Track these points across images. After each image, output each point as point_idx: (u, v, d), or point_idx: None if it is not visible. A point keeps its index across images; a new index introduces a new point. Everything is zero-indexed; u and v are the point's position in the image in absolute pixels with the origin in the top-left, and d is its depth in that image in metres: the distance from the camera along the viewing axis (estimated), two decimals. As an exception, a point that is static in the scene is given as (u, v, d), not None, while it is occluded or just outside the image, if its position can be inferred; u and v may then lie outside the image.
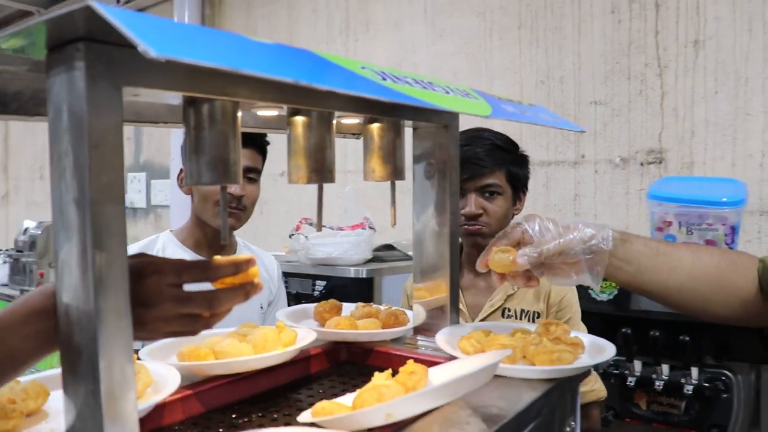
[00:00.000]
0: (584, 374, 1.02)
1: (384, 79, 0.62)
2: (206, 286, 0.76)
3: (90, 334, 0.57)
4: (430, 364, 0.89)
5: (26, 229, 5.29)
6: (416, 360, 0.87)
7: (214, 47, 0.46)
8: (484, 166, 1.63)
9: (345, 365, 1.10)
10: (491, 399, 0.84)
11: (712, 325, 1.82)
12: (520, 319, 1.65)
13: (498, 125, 2.92)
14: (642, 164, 2.72)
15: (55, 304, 0.60)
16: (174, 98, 0.74)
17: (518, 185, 1.72)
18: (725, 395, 1.86)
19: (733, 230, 1.95)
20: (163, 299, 0.70)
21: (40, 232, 5.17)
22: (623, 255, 1.04)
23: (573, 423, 1.03)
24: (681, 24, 2.62)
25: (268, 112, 0.83)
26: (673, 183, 2.18)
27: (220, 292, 0.74)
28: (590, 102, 2.84)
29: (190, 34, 0.47)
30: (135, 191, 4.95)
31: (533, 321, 1.66)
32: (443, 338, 1.02)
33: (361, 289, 2.53)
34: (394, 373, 0.82)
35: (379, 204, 2.73)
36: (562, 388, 0.95)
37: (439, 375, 0.85)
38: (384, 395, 0.71)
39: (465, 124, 1.35)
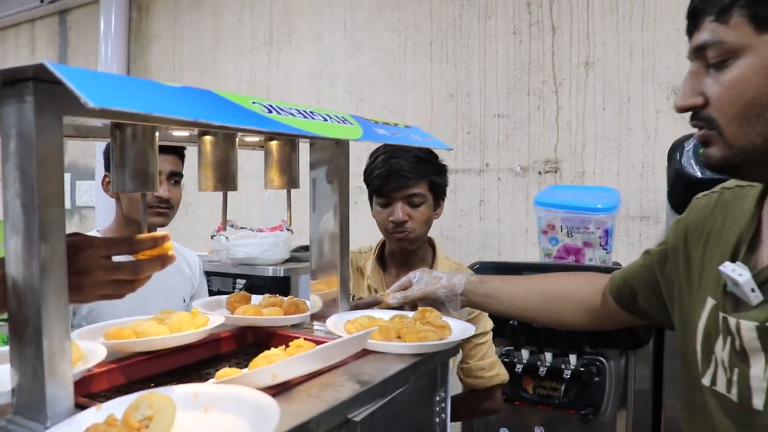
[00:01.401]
0: (451, 351, 1.22)
1: (270, 111, 0.81)
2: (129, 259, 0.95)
3: (35, 309, 0.74)
4: (320, 343, 1.07)
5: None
6: (308, 339, 1.06)
7: (137, 95, 0.64)
8: (410, 178, 1.80)
9: (251, 347, 1.28)
10: (365, 369, 1.04)
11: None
12: None
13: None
14: (540, 173, 2.98)
15: (4, 274, 0.76)
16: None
17: (439, 193, 1.92)
18: (598, 378, 2.11)
19: (607, 233, 2.21)
20: (95, 268, 0.89)
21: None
22: (483, 292, 1.41)
23: (443, 393, 1.23)
24: (574, 47, 2.89)
25: (182, 132, 1.00)
26: (558, 191, 2.43)
27: (142, 261, 0.94)
28: (494, 115, 3.09)
29: (120, 84, 0.64)
30: (58, 192, 4.96)
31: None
32: (332, 322, 1.22)
33: (278, 287, 2.69)
34: (288, 350, 1.00)
35: (297, 207, 2.95)
36: (430, 362, 1.15)
37: (323, 349, 1.03)
38: (272, 361, 0.90)
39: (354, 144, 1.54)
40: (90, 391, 0.98)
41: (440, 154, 2.98)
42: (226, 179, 0.98)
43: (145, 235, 0.95)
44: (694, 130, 0.96)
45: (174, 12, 4.34)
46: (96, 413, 0.75)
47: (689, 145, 1.99)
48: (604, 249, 2.22)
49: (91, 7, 4.74)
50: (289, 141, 1.10)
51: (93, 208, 4.50)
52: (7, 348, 0.97)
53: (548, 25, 2.94)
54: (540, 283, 1.41)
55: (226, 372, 0.90)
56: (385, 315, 1.27)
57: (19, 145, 0.73)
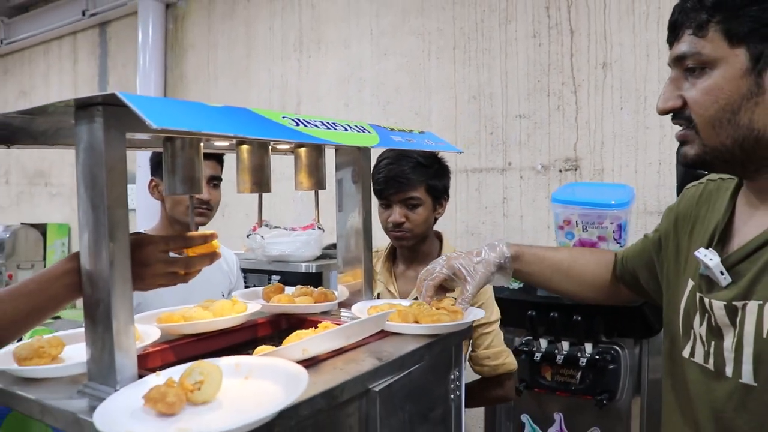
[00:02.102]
0: (464, 333, 1.35)
1: (297, 124, 0.95)
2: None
3: (106, 292, 0.89)
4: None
5: (-7, 233, 5.47)
6: (335, 323, 1.20)
7: (187, 115, 0.79)
8: (407, 183, 1.95)
9: (284, 331, 1.42)
10: (384, 347, 1.18)
11: (601, 308, 2.19)
12: None
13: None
14: (560, 171, 3.09)
15: (78, 266, 0.93)
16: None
17: (438, 195, 2.05)
18: (612, 366, 2.22)
19: (621, 227, 2.32)
20: (155, 261, 1.07)
21: (8, 235, 5.37)
22: (517, 265, 1.45)
23: (458, 372, 1.37)
24: (592, 48, 2.99)
25: (222, 142, 1.16)
26: (574, 188, 2.55)
27: (194, 257, 1.10)
28: (516, 115, 3.20)
29: (174, 107, 0.79)
30: (101, 196, 5.17)
31: (453, 304, 2.02)
32: (357, 308, 1.37)
33: (311, 282, 2.83)
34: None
35: (328, 208, 3.10)
36: (444, 342, 1.28)
37: (348, 330, 1.18)
38: (302, 338, 1.04)
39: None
40: (147, 366, 1.13)
41: (461, 154, 3.10)
42: (261, 182, 1.14)
43: (196, 232, 1.12)
44: None
45: (208, 22, 4.53)
46: (156, 378, 0.90)
47: (697, 143, 2.08)
48: (618, 243, 2.32)
49: (130, 19, 4.96)
50: (316, 147, 1.24)
51: (134, 210, 4.71)
52: (75, 330, 1.14)
53: (566, 28, 3.05)
54: (568, 259, 1.50)
55: (263, 348, 1.05)
56: (405, 303, 1.41)
57: (90, 157, 0.88)
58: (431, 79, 3.49)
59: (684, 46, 1.02)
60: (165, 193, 1.09)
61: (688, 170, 2.10)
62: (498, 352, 2.04)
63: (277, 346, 1.21)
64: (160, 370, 1.11)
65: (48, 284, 1.02)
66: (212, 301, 1.34)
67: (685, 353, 1.12)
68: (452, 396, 1.34)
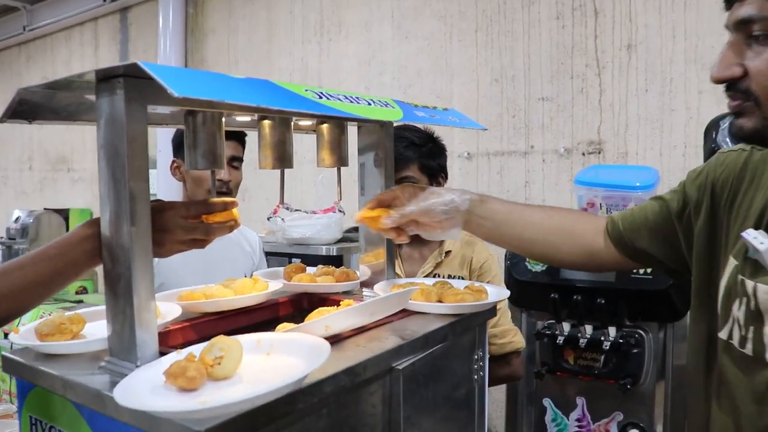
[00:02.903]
0: (488, 313, 1.33)
1: (320, 97, 0.93)
2: None
3: (126, 265, 0.88)
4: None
5: (17, 218, 5.53)
6: (357, 302, 1.19)
7: (210, 85, 0.77)
8: (400, 162, 1.95)
9: (306, 311, 1.41)
10: (408, 326, 1.16)
11: (625, 290, 2.16)
12: None
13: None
14: (583, 154, 3.05)
15: (98, 231, 0.93)
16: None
17: (433, 173, 2.05)
18: (636, 350, 2.19)
19: (646, 210, 2.28)
20: (175, 227, 1.07)
21: (31, 220, 5.42)
22: (481, 213, 1.29)
23: (481, 352, 1.35)
24: (616, 30, 2.94)
25: (244, 117, 1.14)
26: (596, 171, 2.51)
27: (214, 225, 1.10)
28: (538, 98, 3.16)
29: (196, 77, 0.78)
30: (123, 181, 5.20)
31: None
32: (380, 287, 1.35)
33: (332, 265, 2.84)
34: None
35: (349, 191, 3.10)
36: (467, 321, 1.26)
37: (370, 308, 1.16)
38: (324, 315, 1.03)
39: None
40: (167, 344, 1.13)
41: (482, 138, 3.07)
42: (283, 158, 1.12)
43: (216, 199, 1.11)
44: None
45: (228, 6, 4.52)
46: (177, 355, 0.89)
47: (725, 124, 2.04)
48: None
49: (150, 5, 4.96)
50: (338, 123, 1.22)
51: (155, 195, 4.73)
52: (96, 307, 1.13)
53: (591, 9, 3.00)
54: (541, 214, 1.35)
55: (284, 326, 1.04)
56: (428, 281, 1.39)
57: (111, 129, 0.87)
58: (453, 62, 3.45)
59: (750, 8, 0.92)
60: (186, 168, 1.08)
61: (714, 152, 2.06)
62: (505, 331, 2.04)
63: (298, 324, 1.21)
64: (181, 348, 1.11)
65: (68, 249, 1.02)
66: (233, 280, 1.33)
67: (723, 335, 1.07)
68: (476, 377, 1.33)
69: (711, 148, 2.06)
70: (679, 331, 2.21)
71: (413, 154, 1.99)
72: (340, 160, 1.25)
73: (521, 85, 3.21)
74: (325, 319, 0.99)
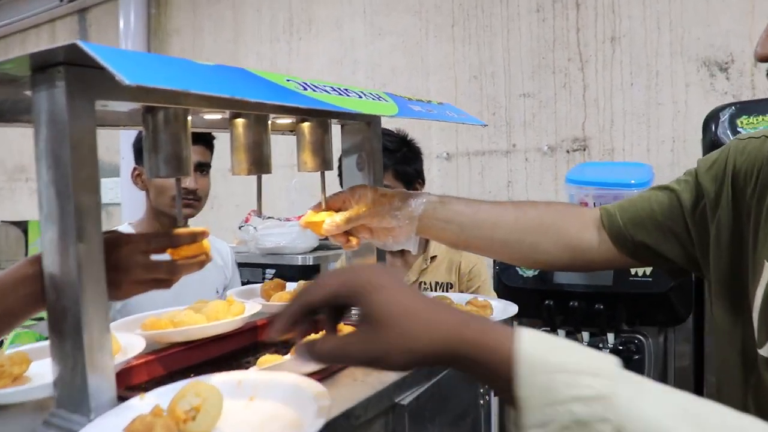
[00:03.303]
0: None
1: (305, 89, 0.78)
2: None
3: (74, 299, 0.72)
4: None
5: (-26, 231, 5.27)
6: (348, 324, 1.03)
7: (170, 72, 0.62)
8: None
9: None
10: (409, 351, 1.01)
11: (623, 294, 2.04)
12: (435, 290, 1.85)
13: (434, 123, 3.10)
14: (568, 151, 2.93)
15: (41, 271, 0.75)
16: (133, 105, 0.89)
17: (409, 180, 1.92)
18: (637, 356, 2.07)
19: (641, 209, 2.17)
20: (134, 265, 0.88)
21: (-12, 233, 5.16)
22: (443, 216, 1.11)
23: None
24: (599, 22, 2.83)
25: (214, 115, 0.98)
26: (589, 168, 2.40)
27: (180, 264, 0.91)
28: (519, 95, 3.04)
29: (152, 62, 0.62)
30: (85, 190, 4.98)
31: (446, 291, 1.86)
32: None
33: (308, 276, 2.68)
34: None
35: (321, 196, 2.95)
36: (473, 343, 1.12)
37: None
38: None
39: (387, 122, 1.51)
40: (130, 383, 0.96)
41: (461, 137, 2.94)
42: (260, 162, 0.96)
43: (184, 229, 0.93)
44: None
45: (192, 5, 4.33)
46: (140, 402, 0.73)
47: (725, 116, 1.93)
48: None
49: (110, 5, 4.74)
50: (322, 122, 1.07)
51: (119, 204, 4.52)
52: (43, 343, 0.96)
53: (572, 1, 2.88)
54: (514, 212, 1.15)
55: (267, 359, 0.88)
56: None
57: (51, 131, 0.71)
58: (429, 59, 3.31)
59: None
60: (147, 176, 0.91)
61: (714, 146, 1.95)
62: None
63: (281, 352, 1.05)
64: (146, 387, 0.94)
65: (1, 296, 0.84)
66: (205, 302, 1.17)
67: (765, 351, 0.94)
68: (481, 401, 1.18)
69: (711, 141, 1.95)
70: (680, 334, 2.10)
71: (387, 160, 1.83)
72: (324, 164, 1.10)
73: (501, 81, 3.09)
74: (316, 352, 0.84)
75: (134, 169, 1.93)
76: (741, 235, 0.99)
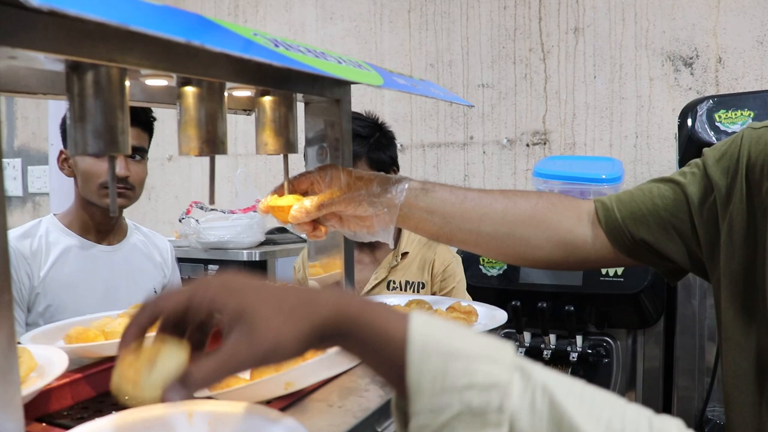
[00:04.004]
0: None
1: (277, 46, 0.62)
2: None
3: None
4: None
5: None
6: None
7: (103, 2, 0.45)
8: None
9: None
10: (389, 367, 0.86)
11: (594, 295, 1.93)
12: (405, 290, 1.70)
13: (388, 108, 2.95)
14: (528, 145, 2.83)
15: None
16: (55, 64, 0.70)
17: (383, 168, 1.78)
18: (606, 360, 1.97)
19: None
20: None
21: None
22: (426, 205, 0.98)
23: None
24: (562, 12, 2.73)
25: (157, 81, 0.80)
26: (558, 162, 2.28)
27: None
28: (478, 85, 2.92)
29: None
30: (10, 178, 4.66)
31: (417, 292, 1.71)
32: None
33: (254, 272, 2.50)
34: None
35: (271, 187, 2.76)
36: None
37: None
38: (282, 366, 0.71)
39: (355, 103, 1.35)
40: (48, 410, 0.78)
41: (416, 127, 2.80)
42: (214, 140, 0.78)
43: None
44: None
45: (129, -17, 4.06)
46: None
47: (702, 109, 1.84)
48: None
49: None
50: (286, 96, 0.90)
51: (47, 194, 4.23)
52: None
53: (534, -11, 2.78)
54: (504, 201, 1.02)
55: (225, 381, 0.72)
56: (401, 301, 1.09)
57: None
58: (383, 46, 3.15)
59: None
60: (71, 153, 0.73)
61: (691, 140, 1.86)
62: None
63: (246, 379, 0.88)
64: (69, 413, 0.77)
65: None
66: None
67: None
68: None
69: (687, 136, 1.86)
70: (649, 336, 2.01)
71: (360, 147, 1.70)
72: (288, 145, 0.93)
73: (459, 70, 2.96)
74: (284, 375, 0.68)
75: (60, 153, 1.69)
76: (756, 234, 0.87)
